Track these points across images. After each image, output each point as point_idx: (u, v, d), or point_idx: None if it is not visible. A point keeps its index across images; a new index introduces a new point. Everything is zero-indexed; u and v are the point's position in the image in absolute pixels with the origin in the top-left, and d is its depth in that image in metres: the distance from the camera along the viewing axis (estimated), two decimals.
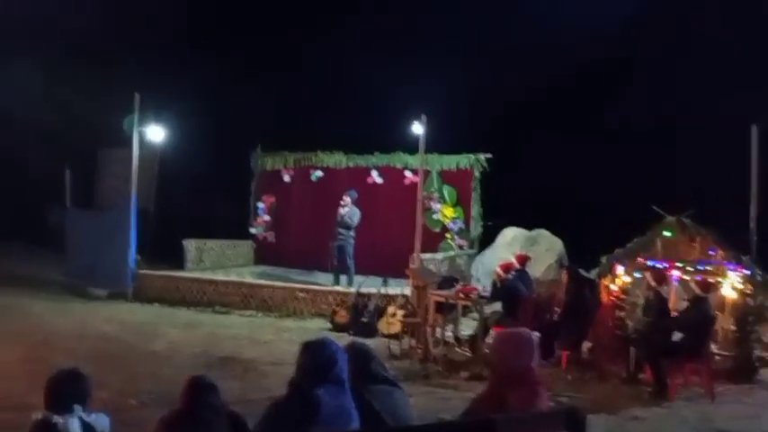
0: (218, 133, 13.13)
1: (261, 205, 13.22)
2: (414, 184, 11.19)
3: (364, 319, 8.34)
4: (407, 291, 8.70)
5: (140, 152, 10.51)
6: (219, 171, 13.50)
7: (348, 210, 10.02)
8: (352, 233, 10.02)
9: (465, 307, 8.68)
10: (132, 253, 10.19)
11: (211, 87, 12.92)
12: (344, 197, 10.06)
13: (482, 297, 7.43)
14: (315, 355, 2.90)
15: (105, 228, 10.24)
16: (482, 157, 11.47)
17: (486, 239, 11.30)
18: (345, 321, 8.46)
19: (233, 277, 10.67)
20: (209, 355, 6.89)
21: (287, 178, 13.09)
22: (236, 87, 13.30)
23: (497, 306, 7.54)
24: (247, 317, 9.21)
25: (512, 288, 7.25)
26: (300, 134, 13.74)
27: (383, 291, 8.66)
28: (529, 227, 10.71)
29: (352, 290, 9.26)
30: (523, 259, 7.77)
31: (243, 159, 13.45)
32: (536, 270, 9.33)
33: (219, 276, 10.61)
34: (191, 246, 11.49)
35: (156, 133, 10.91)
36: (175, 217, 12.97)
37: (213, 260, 12.08)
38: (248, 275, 11.18)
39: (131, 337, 7.63)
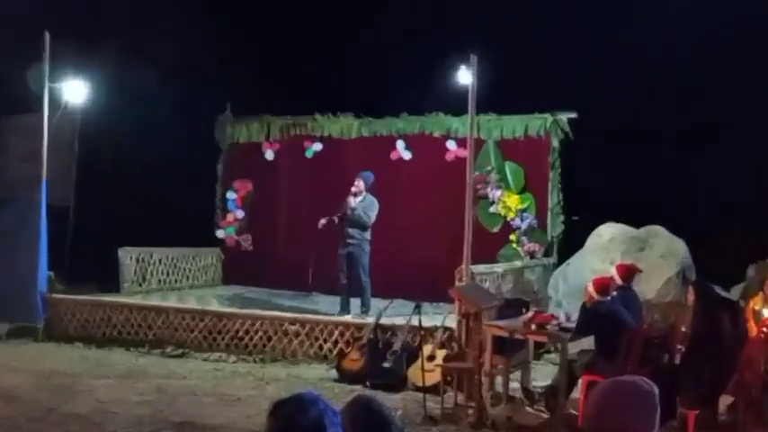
0: (168, 90, 13.24)
1: (232, 196, 13.33)
2: (460, 161, 11.15)
3: (387, 364, 8.33)
4: (451, 321, 8.68)
5: (53, 120, 10.61)
6: (170, 147, 13.62)
7: (362, 200, 10.02)
8: (367, 235, 10.03)
9: (539, 345, 8.60)
10: (42, 269, 10.29)
11: (157, 21, 13.03)
12: (356, 182, 10.06)
13: (565, 329, 7.36)
14: (286, 423, 2.70)
15: (1, 232, 10.37)
16: (563, 118, 11.38)
17: (571, 242, 11.19)
18: (359, 367, 8.45)
19: (191, 303, 10.73)
20: (158, 421, 6.94)
21: (270, 155, 13.18)
22: (194, 22, 13.40)
23: (589, 343, 7.46)
24: (213, 362, 9.27)
25: (611, 316, 7.16)
26: (290, 89, 13.80)
27: (415, 322, 8.62)
28: (636, 222, 10.57)
29: (369, 320, 9.27)
30: (628, 272, 7.67)
31: (205, 128, 13.57)
32: (647, 288, 9.19)
33: (172, 302, 10.68)
34: (129, 257, 11.62)
35: (76, 91, 10.97)
36: (106, 216, 13.13)
37: (163, 278, 12.19)
38: (214, 300, 11.27)
39: (42, 393, 7.71)
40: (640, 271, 7.95)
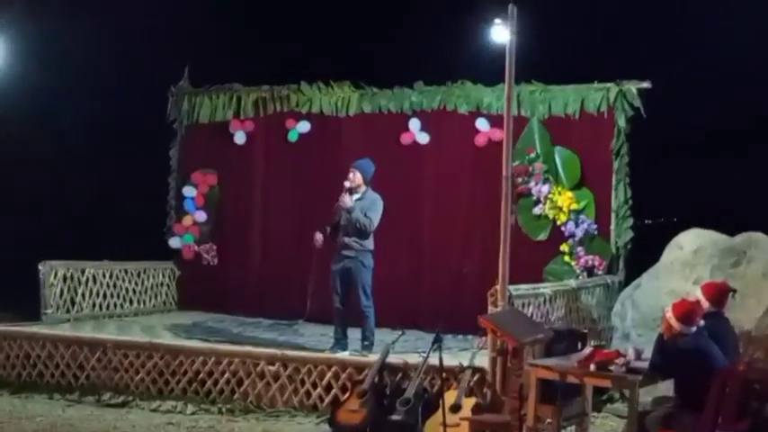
0: (104, 54, 13.27)
1: (190, 193, 13.37)
2: (494, 147, 11.14)
3: (396, 417, 8.30)
4: (482, 360, 8.66)
5: None
6: (107, 129, 13.65)
7: (359, 198, 10.02)
8: (368, 244, 10.03)
9: (600, 391, 8.54)
10: None
11: None
12: (351, 174, 10.07)
13: (634, 371, 7.32)
14: None
15: None
16: (633, 88, 11.38)
17: (643, 255, 11.17)
18: (359, 421, 8.42)
19: (136, 336, 10.73)
20: None
21: (240, 138, 13.21)
22: None
23: (666, 388, 7.41)
24: (165, 413, 9.23)
25: (696, 353, 7.11)
26: (268, 50, 13.80)
27: (434, 360, 8.59)
28: (730, 229, 10.54)
29: (373, 358, 9.26)
30: (718, 294, 7.63)
31: (153, 103, 13.60)
32: (744, 316, 9.12)
33: (110, 334, 10.67)
34: (54, 275, 11.61)
35: None
36: (23, 221, 13.14)
37: (98, 302, 12.19)
38: (165, 332, 11.27)
39: None
40: (734, 291, 7.91)
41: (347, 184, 9.99)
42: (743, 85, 12.10)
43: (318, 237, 10.07)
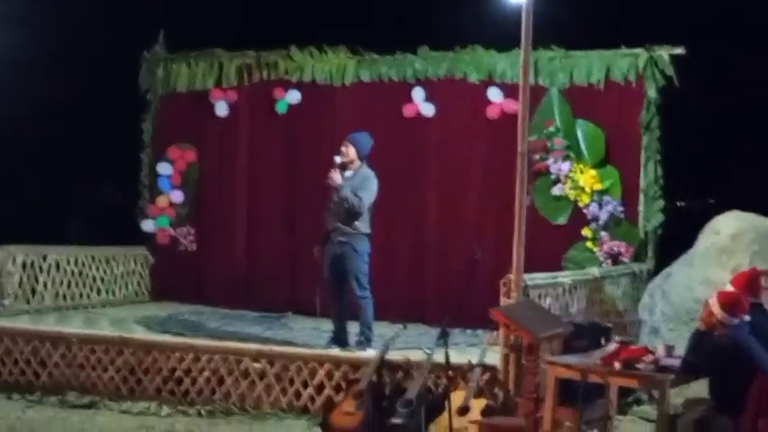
0: (66, 16, 13.25)
1: (165, 170, 13.38)
2: (508, 120, 11.15)
3: (397, 420, 8.30)
4: (494, 357, 8.68)
5: None
6: (72, 98, 13.64)
7: (352, 176, 10.01)
8: (363, 227, 10.01)
9: (626, 392, 8.56)
10: None
11: None
12: (344, 148, 10.05)
13: (664, 369, 7.35)
14: None
15: None
16: (665, 55, 11.39)
17: (675, 241, 11.22)
18: (355, 424, 8.44)
19: (104, 329, 10.75)
20: None
21: (222, 109, 13.23)
22: None
23: (701, 388, 7.44)
24: (137, 416, 9.26)
25: (735, 349, 7.14)
26: (253, 11, 13.77)
27: (440, 357, 8.63)
28: None
29: (369, 353, 9.29)
30: (750, 282, 7.67)
31: (123, 70, 13.59)
32: None
33: (75, 328, 10.69)
34: (11, 261, 11.64)
35: None
36: None
37: (62, 292, 12.24)
38: (137, 326, 11.29)
39: None
40: (765, 274, 7.96)
41: (338, 159, 9.95)
42: None
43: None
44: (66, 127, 13.80)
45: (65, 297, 12.24)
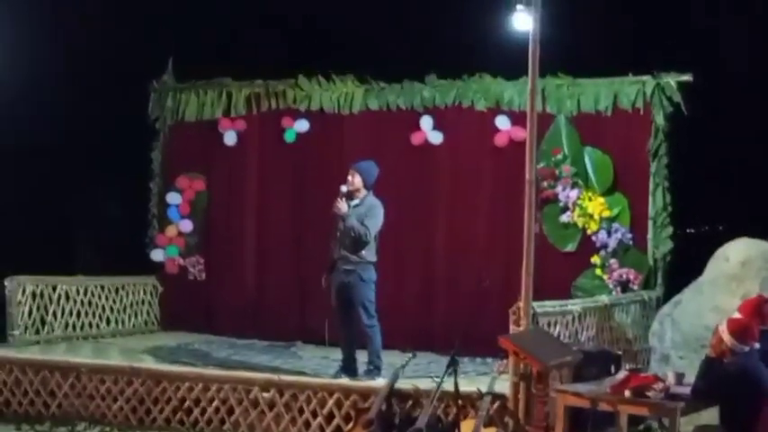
0: (77, 44, 13.32)
1: (174, 200, 13.42)
2: (516, 147, 11.17)
3: None
4: (503, 385, 8.67)
5: None
6: (81, 127, 13.68)
7: (357, 204, 10.02)
8: (369, 256, 10.01)
9: (636, 420, 8.53)
10: None
11: None
12: (350, 176, 10.06)
13: (675, 397, 7.34)
14: None
15: None
16: (672, 82, 11.42)
17: (684, 268, 11.20)
18: None
19: (114, 359, 10.75)
20: None
21: (231, 139, 13.26)
22: None
23: (711, 416, 7.42)
24: None
25: (744, 376, 7.14)
26: (262, 40, 13.82)
27: (449, 386, 8.63)
28: None
29: (379, 382, 9.28)
30: (756, 308, 7.63)
31: (133, 99, 13.65)
32: None
33: (85, 358, 10.69)
34: (21, 291, 11.66)
35: None
36: None
37: (71, 322, 12.24)
38: (146, 355, 11.30)
39: None
40: None
41: (344, 188, 9.97)
42: None
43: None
44: (75, 156, 13.83)
45: (74, 327, 12.21)
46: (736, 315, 7.67)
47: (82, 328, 12.33)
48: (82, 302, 12.35)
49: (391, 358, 10.05)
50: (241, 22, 14.03)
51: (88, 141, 13.79)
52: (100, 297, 12.62)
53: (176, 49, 13.53)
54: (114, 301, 12.82)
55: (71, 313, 12.20)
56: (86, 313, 12.41)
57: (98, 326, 12.55)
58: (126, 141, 13.60)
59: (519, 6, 8.86)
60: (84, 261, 13.53)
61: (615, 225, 11.35)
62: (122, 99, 13.45)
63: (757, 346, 7.36)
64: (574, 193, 11.50)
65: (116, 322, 12.81)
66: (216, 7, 13.64)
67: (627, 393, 7.41)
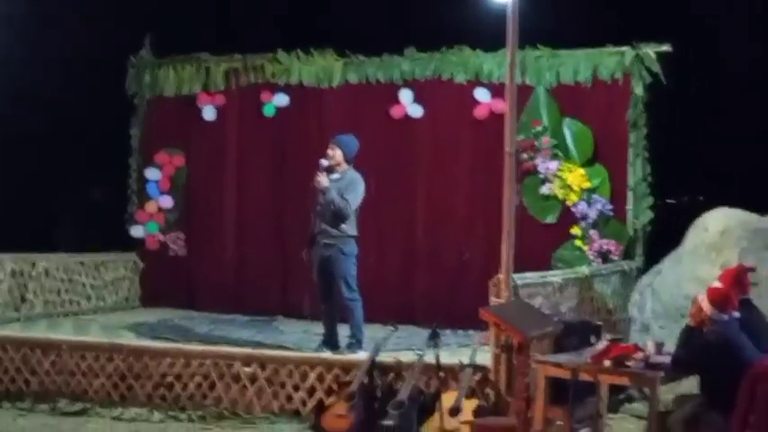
0: (53, 19, 13.24)
1: (154, 176, 13.39)
2: (495, 119, 11.18)
3: (388, 422, 8.29)
4: (485, 357, 8.69)
5: None
6: (59, 103, 13.62)
7: (338, 178, 10.01)
8: (349, 229, 10.01)
9: (616, 390, 8.57)
10: None
11: None
12: (330, 150, 10.06)
13: (655, 366, 7.37)
14: None
15: None
16: (651, 52, 11.42)
17: (664, 238, 11.21)
18: (347, 427, 8.46)
19: (95, 336, 10.74)
20: None
21: (210, 114, 13.24)
22: None
23: (691, 384, 7.43)
24: (129, 422, 9.26)
25: (725, 345, 7.17)
26: (240, 14, 13.76)
27: (431, 358, 8.65)
28: (762, 207, 10.60)
29: (360, 356, 9.30)
30: (736, 277, 7.69)
31: (110, 75, 13.59)
32: None
33: (66, 335, 10.68)
34: (1, 267, 11.64)
35: None
36: None
37: (51, 299, 12.24)
38: (127, 331, 11.29)
39: None
40: (752, 269, 7.98)
41: (324, 162, 9.95)
42: None
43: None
44: (53, 133, 13.78)
45: (54, 304, 12.22)
46: (716, 284, 7.71)
47: (62, 305, 12.34)
48: (62, 280, 12.35)
49: (373, 332, 10.09)
50: None
51: (66, 118, 13.74)
52: (80, 274, 12.62)
53: (154, 24, 13.46)
54: (95, 278, 12.82)
55: (51, 291, 12.19)
56: (67, 290, 12.42)
57: (78, 303, 12.56)
58: (104, 117, 13.58)
59: None
60: (64, 238, 13.50)
61: (595, 196, 11.37)
62: (100, 75, 13.43)
63: (737, 315, 7.40)
64: (554, 165, 11.50)
65: (96, 299, 12.82)
66: None
67: (607, 363, 7.43)
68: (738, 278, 7.72)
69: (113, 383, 9.73)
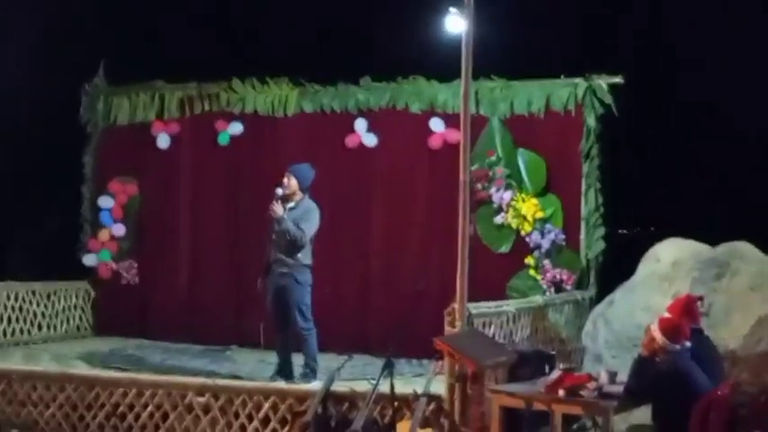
0: (3, 45, 13.18)
1: (107, 204, 13.31)
2: (450, 149, 11.22)
3: None
4: (439, 386, 8.67)
5: None
6: (9, 130, 13.53)
7: (293, 207, 10.00)
8: (305, 259, 10.00)
9: (570, 420, 8.60)
10: None
11: None
12: (285, 179, 10.05)
13: (607, 396, 7.41)
14: None
15: None
16: (603, 84, 11.53)
17: (616, 268, 11.30)
18: None
19: (45, 365, 10.66)
20: None
21: (164, 142, 13.19)
22: None
23: (644, 414, 7.46)
24: None
25: (675, 375, 7.23)
26: (195, 42, 13.76)
27: (385, 387, 8.64)
28: (712, 239, 10.70)
29: (314, 385, 9.28)
30: (685, 307, 7.78)
31: (65, 102, 13.52)
32: (728, 333, 9.26)
33: (16, 364, 10.59)
34: None
35: None
36: None
37: (2, 328, 12.15)
38: (79, 361, 11.20)
39: None
40: (700, 298, 8.06)
41: (279, 191, 9.95)
42: (726, 82, 12.28)
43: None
44: (4, 159, 13.67)
45: (5, 333, 12.11)
46: (666, 315, 7.78)
47: (13, 334, 12.23)
48: (12, 308, 12.26)
49: (327, 361, 10.06)
50: (172, 24, 13.94)
51: (19, 145, 13.63)
52: (31, 302, 12.52)
53: (108, 50, 13.41)
54: (46, 307, 12.72)
55: (1, 319, 12.09)
56: (17, 319, 12.32)
57: (29, 332, 12.46)
58: (57, 145, 13.48)
59: (452, 9, 8.89)
60: (15, 266, 13.36)
61: (548, 226, 11.42)
62: (53, 103, 13.34)
63: (688, 344, 7.46)
64: (507, 195, 11.55)
65: (48, 327, 12.72)
66: (146, 8, 13.55)
67: (561, 393, 7.47)
68: (687, 308, 7.81)
69: (65, 414, 9.63)
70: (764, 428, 7.00)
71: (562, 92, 11.61)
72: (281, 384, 9.57)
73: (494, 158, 11.66)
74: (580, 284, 11.41)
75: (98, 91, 13.48)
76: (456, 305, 8.68)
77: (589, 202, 11.47)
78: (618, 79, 11.44)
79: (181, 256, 13.07)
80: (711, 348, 7.81)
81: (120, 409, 9.51)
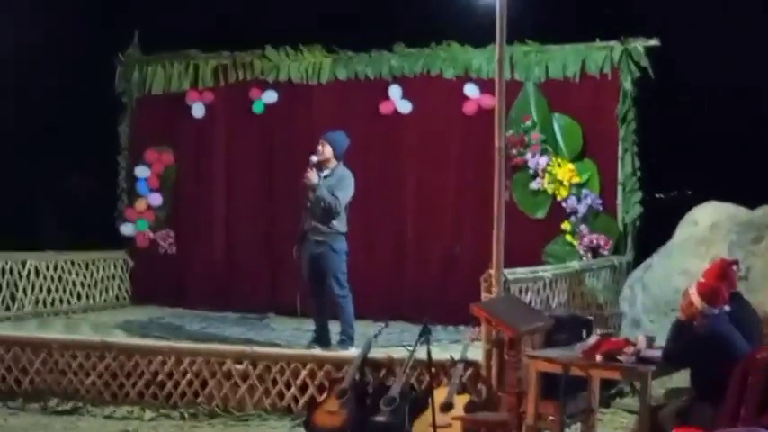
0: (39, 15, 13.21)
1: (143, 173, 13.38)
2: (484, 115, 11.20)
3: (380, 418, 8.32)
4: (476, 353, 8.71)
5: None
6: (47, 102, 13.60)
7: (328, 175, 9.99)
8: (340, 226, 10.00)
9: (608, 384, 8.60)
10: None
11: None
12: (320, 147, 10.04)
13: (646, 360, 7.38)
14: None
15: None
16: (640, 47, 11.44)
17: (654, 233, 11.25)
18: (339, 423, 8.45)
19: (86, 334, 10.75)
20: None
21: (199, 111, 13.22)
22: None
23: (682, 378, 7.45)
24: (120, 420, 9.25)
25: (715, 339, 7.17)
26: (228, 12, 13.76)
27: (422, 354, 8.62)
28: (750, 201, 10.63)
29: (351, 352, 9.31)
30: (720, 272, 7.68)
31: (98, 73, 13.57)
32: (766, 296, 9.20)
33: (56, 333, 10.68)
34: None
35: None
36: None
37: (42, 298, 12.24)
38: (118, 330, 11.30)
39: None
40: (735, 262, 8.00)
41: (314, 158, 9.94)
42: (765, 41, 12.17)
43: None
44: (43, 132, 13.77)
45: (45, 303, 12.23)
46: (701, 280, 7.73)
47: (53, 303, 12.35)
48: (52, 278, 12.37)
49: (364, 328, 10.09)
50: None
51: (56, 117, 13.72)
52: (70, 272, 12.62)
53: (142, 21, 13.44)
54: (85, 276, 12.82)
55: (41, 289, 12.21)
56: (57, 289, 12.42)
57: (69, 301, 12.57)
58: (93, 115, 13.56)
59: None
60: (53, 237, 13.49)
61: (585, 191, 11.40)
62: (89, 73, 13.40)
63: (727, 308, 7.42)
64: (543, 160, 11.52)
65: (87, 297, 12.82)
66: None
67: (598, 358, 7.44)
68: (723, 272, 7.73)
69: (104, 382, 9.72)
70: None
71: (597, 55, 11.54)
72: (318, 351, 9.62)
73: (529, 124, 11.63)
74: (617, 249, 11.39)
75: (132, 61, 13.51)
76: (492, 271, 8.68)
77: (626, 167, 11.42)
78: (654, 42, 11.35)
79: (216, 225, 13.13)
80: (750, 312, 7.74)
81: (159, 377, 9.58)
